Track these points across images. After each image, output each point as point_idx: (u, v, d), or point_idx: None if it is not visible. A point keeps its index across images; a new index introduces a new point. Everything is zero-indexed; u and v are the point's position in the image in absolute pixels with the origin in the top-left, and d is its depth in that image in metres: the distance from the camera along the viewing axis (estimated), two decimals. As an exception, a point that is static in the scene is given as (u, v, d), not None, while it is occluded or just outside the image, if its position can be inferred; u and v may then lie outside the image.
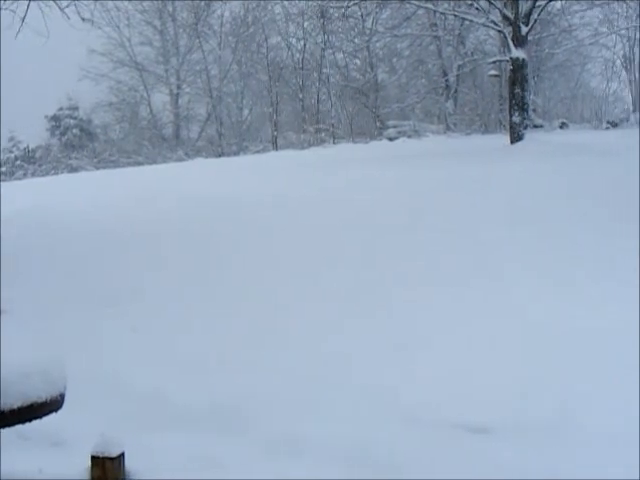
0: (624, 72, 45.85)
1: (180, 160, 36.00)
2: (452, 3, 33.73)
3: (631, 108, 42.83)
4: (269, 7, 46.22)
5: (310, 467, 5.10)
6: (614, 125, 34.39)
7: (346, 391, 6.26)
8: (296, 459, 5.26)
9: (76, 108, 51.33)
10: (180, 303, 9.28)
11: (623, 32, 41.01)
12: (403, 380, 6.42)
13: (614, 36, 41.48)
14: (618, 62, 45.72)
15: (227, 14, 46.68)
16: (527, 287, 8.97)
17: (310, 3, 39.92)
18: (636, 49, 43.29)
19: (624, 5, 36.77)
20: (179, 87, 47.02)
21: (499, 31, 29.77)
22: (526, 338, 7.22)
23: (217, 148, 43.45)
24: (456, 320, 7.93)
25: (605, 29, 39.33)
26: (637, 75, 44.27)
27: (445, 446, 5.38)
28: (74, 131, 50.66)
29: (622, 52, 44.99)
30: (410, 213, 13.85)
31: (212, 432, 5.70)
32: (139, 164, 36.04)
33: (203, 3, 45.78)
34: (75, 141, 49.69)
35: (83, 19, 17.34)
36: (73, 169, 39.43)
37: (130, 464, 5.09)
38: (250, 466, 5.18)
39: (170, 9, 46.32)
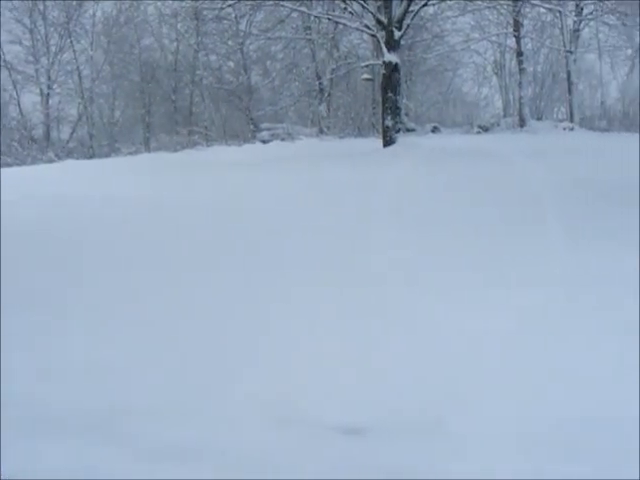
0: (495, 78, 46.91)
1: (50, 161, 35.26)
2: (326, 7, 33.94)
3: (502, 113, 43.72)
4: (142, 7, 45.74)
5: (182, 474, 4.99)
6: (485, 129, 35.05)
7: (219, 395, 6.15)
8: (167, 465, 5.13)
9: (-59, 107, 50.03)
10: (46, 304, 9.00)
11: (494, 38, 41.90)
12: (278, 381, 6.33)
13: (485, 42, 42.44)
14: (489, 68, 46.76)
15: (99, 14, 45.98)
16: (412, 289, 8.97)
17: (183, 4, 39.71)
18: (507, 55, 44.32)
19: (495, 12, 37.55)
20: (50, 87, 46.04)
21: (372, 35, 30.00)
22: (408, 339, 7.19)
23: (88, 149, 42.78)
24: (337, 320, 7.87)
25: (477, 35, 40.14)
26: (508, 81, 45.21)
27: (317, 448, 5.31)
28: (-62, 131, 49.36)
29: (493, 58, 46.02)
30: (283, 216, 13.79)
31: (91, 440, 5.52)
32: (8, 165, 35.18)
33: (75, 2, 44.91)
34: (-60, 141, 48.41)
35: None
36: (-62, 170, 38.37)
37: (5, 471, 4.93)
38: (124, 473, 5.03)
39: (41, 7, 45.33)
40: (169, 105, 47.04)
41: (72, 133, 46.28)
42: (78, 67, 45.50)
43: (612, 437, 5.12)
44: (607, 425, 5.29)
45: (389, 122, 26.76)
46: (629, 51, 43.80)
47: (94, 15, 45.64)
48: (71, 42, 45.23)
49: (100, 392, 6.20)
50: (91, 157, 39.69)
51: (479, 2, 34.11)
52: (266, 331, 7.61)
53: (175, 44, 46.61)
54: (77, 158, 37.79)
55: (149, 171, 23.38)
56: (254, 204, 15.22)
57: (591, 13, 37.99)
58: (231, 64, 46.78)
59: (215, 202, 15.69)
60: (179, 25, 45.32)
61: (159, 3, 43.82)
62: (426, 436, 5.34)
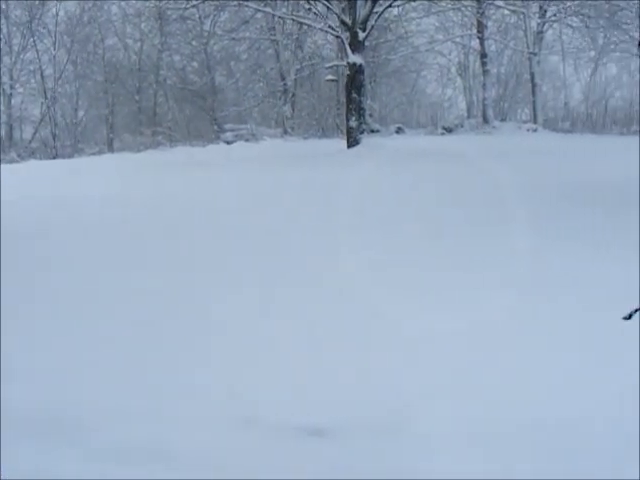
0: (459, 79, 46.98)
1: (12, 162, 34.98)
2: (290, 7, 33.91)
3: (465, 114, 43.84)
4: (105, 7, 45.48)
5: (147, 474, 4.92)
6: (449, 131, 35.10)
7: (185, 395, 6.09)
8: (131, 467, 5.07)
9: None
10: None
11: (458, 40, 42.03)
12: (243, 382, 6.29)
13: (449, 43, 42.52)
14: (453, 69, 46.85)
15: (62, 13, 45.61)
16: (376, 289, 8.94)
17: (147, 4, 39.47)
18: (471, 56, 44.41)
19: (459, 13, 37.64)
20: (12, 87, 45.67)
21: (337, 36, 30.02)
22: (372, 339, 7.17)
23: (51, 150, 42.50)
24: (303, 320, 7.83)
25: (441, 36, 40.22)
26: (471, 82, 45.34)
27: (280, 449, 5.27)
28: None
29: (457, 59, 46.12)
30: (247, 216, 13.75)
31: (45, 441, 5.44)
32: (-31, 166, 34.94)
33: (37, 2, 44.59)
34: None
35: None
36: None
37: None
38: (75, 474, 4.96)
39: (3, 6, 45.00)
40: (133, 105, 46.84)
41: (35, 133, 45.92)
42: (41, 67, 45.17)
43: (572, 438, 5.13)
44: (567, 426, 5.29)
45: (353, 123, 26.78)
46: (592, 53, 44.08)
47: (57, 14, 45.26)
48: (34, 41, 44.88)
49: (56, 393, 6.13)
50: (54, 157, 39.43)
51: (443, 4, 34.16)
52: (237, 330, 7.56)
53: (139, 44, 46.42)
54: (40, 158, 37.60)
55: (111, 172, 23.24)
56: (212, 204, 15.17)
57: (554, 15, 38.14)
58: (195, 64, 46.65)
59: (172, 201, 15.66)
60: (143, 25, 45.13)
61: (123, 3, 43.70)
62: (390, 436, 5.32)
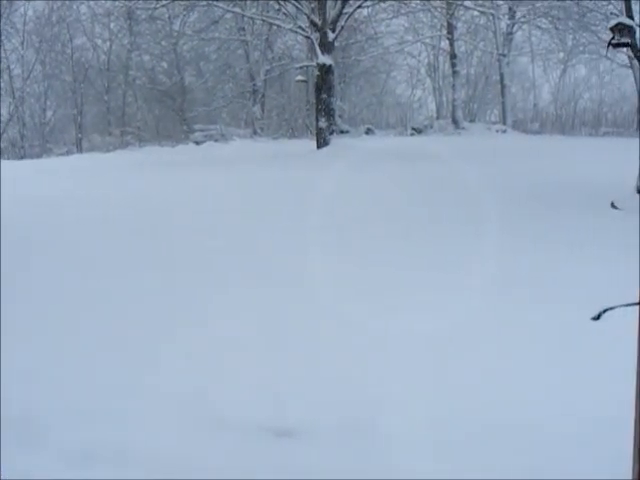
0: (428, 80, 47.04)
1: (-20, 162, 34.80)
2: (260, 8, 33.82)
3: (435, 115, 43.90)
4: (74, 7, 45.16)
5: (115, 476, 4.88)
6: (418, 131, 35.15)
7: (155, 396, 6.04)
8: (100, 469, 5.01)
9: None
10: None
11: (428, 41, 42.03)
12: (213, 384, 6.25)
13: (419, 44, 42.53)
14: (423, 70, 46.88)
15: (30, 12, 45.39)
16: (344, 289, 8.93)
17: (117, 4, 39.18)
18: (440, 58, 44.48)
19: (429, 14, 37.65)
20: (-20, 87, 45.49)
21: (306, 37, 30.01)
22: (340, 341, 7.16)
23: (19, 150, 42.27)
24: (271, 321, 7.81)
25: (410, 37, 40.19)
26: (441, 83, 45.42)
27: (249, 450, 5.23)
28: None
29: (427, 60, 46.19)
30: (215, 216, 13.74)
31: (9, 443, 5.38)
32: None
33: (5, 1, 44.33)
34: None
35: None
36: None
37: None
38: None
39: (-30, 6, 44.79)
40: (101, 105, 46.60)
41: (2, 133, 45.59)
42: (9, 66, 44.87)
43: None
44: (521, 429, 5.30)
45: (323, 124, 26.77)
46: (561, 54, 44.23)
47: (25, 14, 45.03)
48: (1, 41, 44.53)
49: (14, 394, 6.06)
50: (22, 158, 39.21)
51: (413, 4, 34.17)
52: (207, 332, 7.52)
53: (108, 44, 46.20)
54: (8, 158, 37.33)
55: (79, 172, 23.12)
56: (179, 205, 15.15)
57: (524, 16, 38.26)
58: (164, 64, 46.46)
59: (139, 202, 15.61)
60: (112, 25, 44.92)
61: (92, 2, 43.33)
62: (357, 437, 5.31)
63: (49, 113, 48.07)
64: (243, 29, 40.14)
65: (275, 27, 36.01)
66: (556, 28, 37.25)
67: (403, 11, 35.41)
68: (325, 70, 26.73)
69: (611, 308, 3.69)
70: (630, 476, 3.59)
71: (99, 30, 46.64)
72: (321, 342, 7.17)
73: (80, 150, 40.64)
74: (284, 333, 7.46)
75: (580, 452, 4.91)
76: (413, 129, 35.57)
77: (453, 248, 10.95)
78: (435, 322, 7.44)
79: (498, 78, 40.10)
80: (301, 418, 5.62)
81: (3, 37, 44.91)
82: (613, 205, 13.93)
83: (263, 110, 41.73)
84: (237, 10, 32.79)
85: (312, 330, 7.51)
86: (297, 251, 11.00)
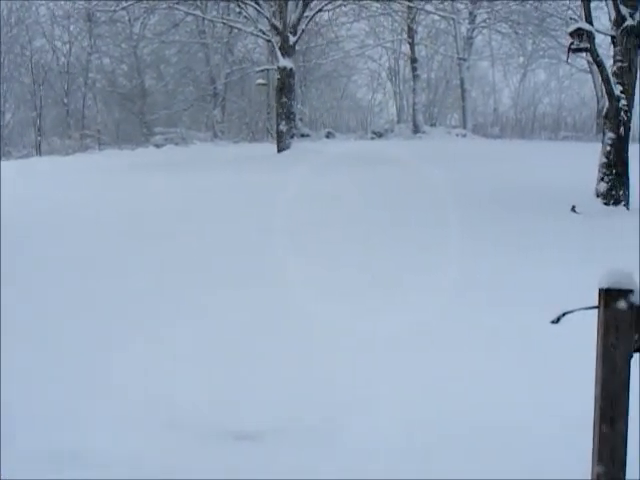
0: (389, 84, 47.15)
1: (-63, 165, 34.47)
2: (221, 11, 33.80)
3: (396, 119, 43.99)
4: (34, 8, 44.81)
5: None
6: (379, 135, 35.20)
7: (116, 400, 5.99)
8: (62, 471, 4.95)
9: None
10: None
11: (388, 45, 42.13)
12: (174, 388, 6.21)
13: (380, 48, 42.66)
14: (383, 74, 46.99)
15: (-12, 14, 45.08)
16: (307, 292, 8.93)
17: (76, 5, 38.96)
18: (401, 62, 44.58)
19: (390, 19, 37.74)
20: (-63, 89, 45.07)
21: (267, 40, 29.96)
22: (303, 344, 7.15)
23: (-23, 153, 41.92)
24: (229, 324, 7.78)
25: (371, 41, 40.28)
26: (402, 87, 45.52)
27: (209, 454, 5.20)
28: None
29: (387, 64, 46.25)
30: (174, 220, 13.69)
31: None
32: None
33: (-38, 2, 44.05)
34: None
35: None
36: None
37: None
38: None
39: None
40: (61, 108, 46.27)
41: (-40, 136, 45.27)
42: (-33, 68, 44.50)
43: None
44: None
45: (283, 127, 26.76)
46: (521, 59, 44.50)
47: (-17, 15, 44.63)
48: (-42, 42, 44.19)
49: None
50: (-20, 160, 38.87)
51: (374, 8, 34.23)
52: (167, 337, 7.48)
53: (67, 46, 45.84)
54: (-34, 161, 37.02)
55: (38, 175, 22.97)
56: (135, 208, 15.11)
57: (484, 21, 38.51)
58: (124, 67, 46.24)
59: (96, 205, 15.58)
60: (72, 27, 44.58)
61: (51, 4, 42.99)
62: (318, 440, 5.30)
63: (8, 116, 47.69)
64: (204, 32, 40.07)
65: (236, 30, 35.96)
66: (516, 33, 37.50)
67: (364, 15, 35.49)
68: (286, 74, 26.72)
69: (570, 311, 3.68)
70: (590, 476, 3.59)
71: (59, 32, 46.27)
72: (284, 345, 7.15)
73: (40, 153, 40.32)
74: (248, 336, 7.44)
75: (537, 453, 4.92)
76: (374, 133, 35.62)
77: (413, 252, 10.97)
78: (395, 325, 7.45)
79: (458, 82, 40.30)
80: (264, 421, 5.60)
81: (-39, 39, 44.55)
82: (573, 209, 14.01)
83: (224, 113, 41.66)
84: (198, 13, 32.76)
85: (275, 333, 7.50)
86: (255, 254, 10.98)
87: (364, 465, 4.95)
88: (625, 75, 14.97)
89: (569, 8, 30.03)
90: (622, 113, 14.85)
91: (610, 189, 14.97)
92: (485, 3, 36.00)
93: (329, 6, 30.27)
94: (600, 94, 28.87)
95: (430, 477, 4.71)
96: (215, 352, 7.02)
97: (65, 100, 45.59)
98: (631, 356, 3.48)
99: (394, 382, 6.20)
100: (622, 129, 14.96)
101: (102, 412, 5.81)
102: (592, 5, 15.77)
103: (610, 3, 15.28)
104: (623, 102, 14.87)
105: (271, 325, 7.76)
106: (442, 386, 6.08)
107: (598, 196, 15.00)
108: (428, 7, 34.31)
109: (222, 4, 33.18)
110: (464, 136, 34.57)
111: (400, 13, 35.31)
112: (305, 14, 27.61)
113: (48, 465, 5.01)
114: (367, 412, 5.72)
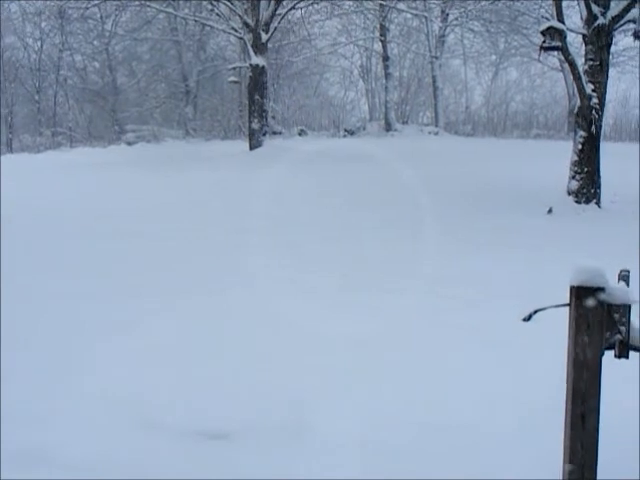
0: (361, 82, 47.11)
1: None
2: (193, 8, 33.70)
3: (368, 117, 44.01)
4: (5, 5, 44.50)
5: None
6: (351, 133, 35.24)
7: (88, 399, 5.95)
8: (35, 471, 4.92)
9: None
10: None
11: (361, 43, 42.13)
12: (146, 387, 6.18)
13: (352, 46, 42.62)
14: (356, 72, 46.96)
15: (-40, 11, 44.81)
16: (279, 293, 8.91)
17: (48, 2, 38.67)
18: (373, 59, 44.58)
19: (362, 16, 37.79)
20: None
21: (239, 38, 29.92)
22: (272, 343, 7.13)
23: (-52, 151, 41.66)
24: (202, 325, 7.76)
25: (343, 39, 40.31)
26: (374, 85, 45.54)
27: (183, 453, 5.18)
28: None
29: (360, 62, 46.22)
30: (146, 217, 13.63)
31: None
32: None
33: None
34: None
35: None
36: None
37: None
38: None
39: None
40: (32, 105, 46.04)
41: None
42: (-63, 65, 44.20)
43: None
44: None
45: (256, 125, 26.73)
46: (493, 57, 44.63)
47: (-47, 12, 44.35)
48: None
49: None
50: (-50, 158, 38.63)
51: (346, 6, 34.27)
52: (140, 336, 7.45)
53: (39, 43, 45.57)
54: None
55: (8, 173, 22.84)
56: (106, 207, 15.05)
57: (456, 19, 38.53)
58: (96, 64, 46.03)
59: (67, 203, 15.50)
60: (43, 24, 44.27)
61: (22, 1, 42.81)
62: (290, 439, 5.29)
63: (-22, 113, 47.47)
64: (176, 29, 39.95)
65: (208, 28, 35.93)
66: (488, 31, 37.60)
67: (336, 13, 35.49)
68: (258, 71, 26.70)
69: (542, 309, 3.69)
70: (560, 476, 3.60)
71: (30, 29, 45.99)
72: (256, 345, 7.14)
73: (10, 150, 40.09)
74: (218, 337, 7.42)
75: (507, 452, 4.92)
76: (346, 131, 35.66)
77: (385, 250, 10.96)
78: (367, 324, 7.45)
79: (430, 80, 40.31)
80: (238, 420, 5.59)
81: None
82: (550, 211, 14.06)
83: (196, 111, 41.59)
84: (170, 10, 32.65)
85: (247, 334, 7.48)
86: (227, 254, 10.95)
87: (332, 461, 4.96)
88: (596, 73, 15.06)
89: (541, 7, 30.10)
90: (593, 111, 14.94)
91: (582, 187, 15.06)
92: (457, 2, 36.06)
93: (301, 4, 30.23)
94: (572, 92, 29.10)
95: (398, 473, 4.71)
96: (181, 353, 6.99)
97: (36, 97, 45.35)
98: (602, 353, 3.49)
99: (364, 381, 6.20)
100: (593, 127, 15.04)
101: (76, 412, 5.78)
102: (564, 4, 15.85)
103: (582, 2, 15.36)
104: (594, 100, 14.96)
105: (244, 327, 7.74)
106: (412, 384, 6.09)
107: (570, 194, 15.07)
108: (400, 5, 34.36)
109: (194, 2, 33.09)
110: (436, 134, 34.64)
111: (372, 11, 35.34)
112: (277, 12, 27.57)
113: (15, 465, 4.98)
114: (335, 411, 5.72)
